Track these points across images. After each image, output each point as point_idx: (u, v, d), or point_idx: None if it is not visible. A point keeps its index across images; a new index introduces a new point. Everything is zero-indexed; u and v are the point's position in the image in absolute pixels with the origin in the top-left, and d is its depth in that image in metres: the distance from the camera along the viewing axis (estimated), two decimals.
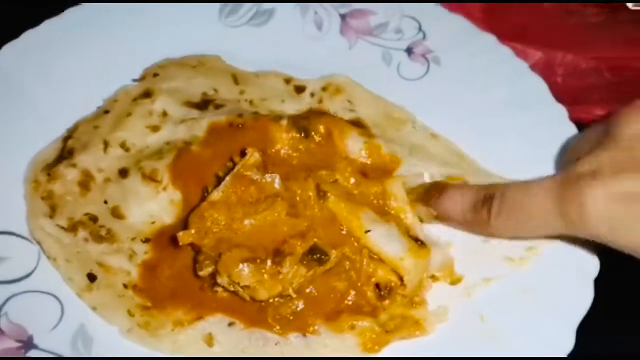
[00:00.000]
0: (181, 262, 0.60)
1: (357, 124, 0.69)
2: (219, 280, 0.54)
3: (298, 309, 0.57)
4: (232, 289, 0.55)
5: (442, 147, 0.69)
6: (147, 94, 0.71)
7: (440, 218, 0.60)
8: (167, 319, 0.57)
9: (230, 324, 0.57)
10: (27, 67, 0.71)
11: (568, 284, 0.57)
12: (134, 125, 0.68)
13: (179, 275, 0.59)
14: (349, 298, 0.58)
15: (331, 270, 0.58)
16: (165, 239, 0.61)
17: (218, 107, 0.71)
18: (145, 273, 0.60)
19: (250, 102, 0.72)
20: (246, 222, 0.56)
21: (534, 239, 0.59)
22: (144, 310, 0.58)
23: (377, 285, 0.58)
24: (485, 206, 0.55)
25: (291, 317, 0.57)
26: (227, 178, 0.58)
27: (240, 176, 0.58)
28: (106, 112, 0.70)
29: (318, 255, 0.55)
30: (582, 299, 0.56)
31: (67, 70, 0.72)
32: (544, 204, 0.50)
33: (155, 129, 0.68)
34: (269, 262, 0.54)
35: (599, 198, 0.47)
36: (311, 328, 0.56)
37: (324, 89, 0.73)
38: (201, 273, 0.55)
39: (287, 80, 0.74)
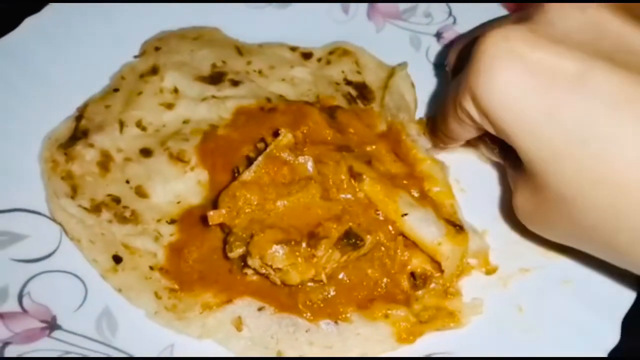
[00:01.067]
0: (209, 243, 0.58)
1: (362, 87, 0.71)
2: (250, 262, 0.52)
3: (329, 295, 0.56)
4: (263, 271, 0.53)
5: None
6: (154, 71, 0.69)
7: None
8: (195, 302, 0.56)
9: (260, 309, 0.55)
10: (43, 43, 0.69)
11: (611, 275, 0.56)
12: (147, 103, 0.67)
13: (207, 258, 0.58)
14: (382, 286, 0.56)
15: (365, 257, 0.56)
16: (192, 220, 0.60)
17: (235, 83, 0.69)
18: (172, 255, 0.58)
19: (260, 72, 0.72)
20: (279, 203, 0.54)
21: None
22: (171, 293, 0.56)
23: (412, 274, 0.57)
24: None
25: (322, 304, 0.55)
26: (260, 158, 0.56)
27: (272, 157, 0.56)
28: (115, 90, 0.68)
29: (353, 240, 0.54)
30: (626, 291, 0.55)
31: (72, 47, 0.70)
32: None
33: (169, 106, 0.67)
34: (303, 245, 0.52)
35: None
36: (343, 315, 0.55)
37: (330, 52, 0.73)
38: (231, 254, 0.53)
39: (293, 49, 0.74)
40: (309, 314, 0.55)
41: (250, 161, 0.58)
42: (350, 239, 0.54)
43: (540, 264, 0.58)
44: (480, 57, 0.45)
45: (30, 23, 0.70)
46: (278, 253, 0.51)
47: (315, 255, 0.52)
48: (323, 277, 0.53)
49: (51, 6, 0.72)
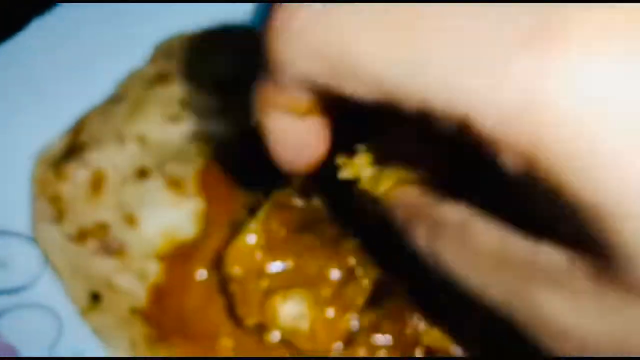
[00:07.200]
0: (194, 292, 0.53)
1: None
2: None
3: None
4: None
5: None
6: (163, 78, 0.64)
7: None
8: (169, 356, 0.51)
9: None
10: (46, 48, 0.65)
11: None
12: (152, 115, 0.62)
13: (190, 306, 0.53)
14: None
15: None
16: (180, 259, 0.55)
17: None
18: (154, 298, 0.54)
19: None
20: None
21: None
22: (148, 342, 0.52)
23: (429, 349, 0.49)
24: None
25: None
26: (265, 205, 0.50)
27: (278, 202, 0.50)
28: (119, 100, 0.64)
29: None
30: None
31: (75, 52, 0.66)
32: None
33: (175, 119, 0.62)
34: None
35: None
36: None
37: None
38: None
39: None
40: None
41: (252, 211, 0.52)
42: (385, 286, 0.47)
43: None
44: None
45: (36, 25, 0.67)
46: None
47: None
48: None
49: (60, 7, 0.68)
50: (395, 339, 0.49)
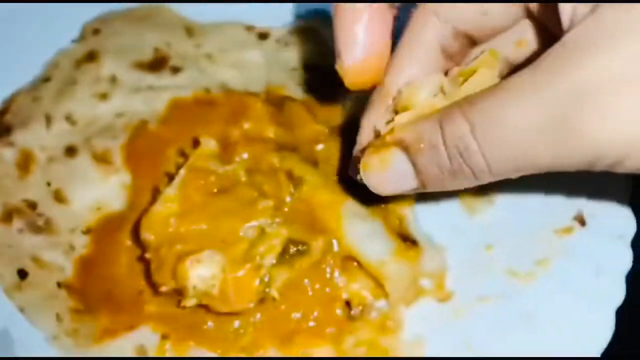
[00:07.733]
0: (123, 258, 0.53)
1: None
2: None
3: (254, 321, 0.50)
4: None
5: None
6: (91, 57, 0.64)
7: None
8: (97, 327, 0.51)
9: (164, 337, 0.50)
10: None
11: (582, 313, 0.47)
12: (80, 94, 0.62)
13: (117, 275, 0.53)
14: (311, 318, 0.49)
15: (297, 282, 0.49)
16: (108, 230, 0.55)
17: (176, 70, 0.64)
18: (81, 270, 0.54)
19: (209, 56, 0.65)
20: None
21: None
22: (74, 314, 0.52)
23: (347, 303, 0.50)
24: None
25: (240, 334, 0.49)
26: (177, 179, 0.50)
27: (195, 170, 0.50)
28: (47, 80, 0.64)
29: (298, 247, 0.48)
30: (599, 335, 0.46)
31: (2, 32, 0.65)
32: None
33: (103, 97, 0.62)
34: None
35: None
36: (261, 350, 0.48)
37: (291, 33, 0.66)
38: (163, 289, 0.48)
39: (249, 28, 0.67)
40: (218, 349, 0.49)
41: (171, 178, 0.52)
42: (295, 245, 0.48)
43: (501, 291, 0.50)
44: None
45: None
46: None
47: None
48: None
49: None
50: (314, 295, 0.49)
